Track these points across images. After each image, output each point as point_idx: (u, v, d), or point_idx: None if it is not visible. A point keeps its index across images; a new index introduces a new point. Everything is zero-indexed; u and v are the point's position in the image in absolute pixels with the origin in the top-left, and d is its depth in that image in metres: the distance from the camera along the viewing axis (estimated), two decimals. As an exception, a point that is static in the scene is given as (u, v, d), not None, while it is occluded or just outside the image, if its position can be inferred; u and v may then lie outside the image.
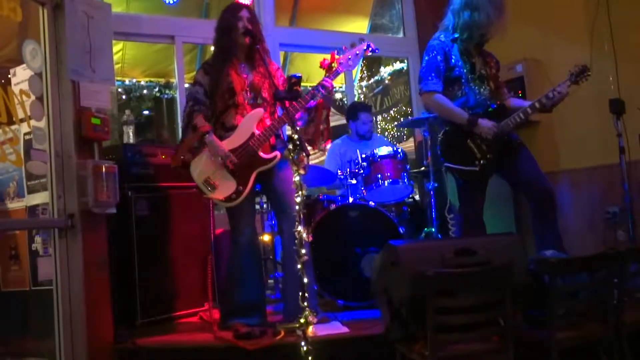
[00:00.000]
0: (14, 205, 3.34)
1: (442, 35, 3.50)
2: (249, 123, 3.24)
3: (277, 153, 3.27)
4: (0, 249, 3.42)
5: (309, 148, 2.86)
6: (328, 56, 3.29)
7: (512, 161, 3.43)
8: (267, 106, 3.32)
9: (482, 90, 3.46)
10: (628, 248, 2.59)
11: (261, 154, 3.22)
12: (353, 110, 4.97)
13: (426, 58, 3.48)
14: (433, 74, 3.42)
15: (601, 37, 4.36)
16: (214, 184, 3.21)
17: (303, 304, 2.57)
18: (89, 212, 2.95)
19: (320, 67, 3.28)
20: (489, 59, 3.57)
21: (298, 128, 2.87)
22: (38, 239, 3.21)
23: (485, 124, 3.36)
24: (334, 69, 3.25)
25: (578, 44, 4.52)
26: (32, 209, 3.24)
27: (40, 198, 3.18)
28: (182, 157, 3.26)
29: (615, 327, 2.50)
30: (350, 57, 3.27)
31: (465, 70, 3.43)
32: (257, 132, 3.22)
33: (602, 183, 4.41)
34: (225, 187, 3.21)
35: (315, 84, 3.21)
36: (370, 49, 3.32)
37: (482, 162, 3.38)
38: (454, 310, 2.24)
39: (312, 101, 3.20)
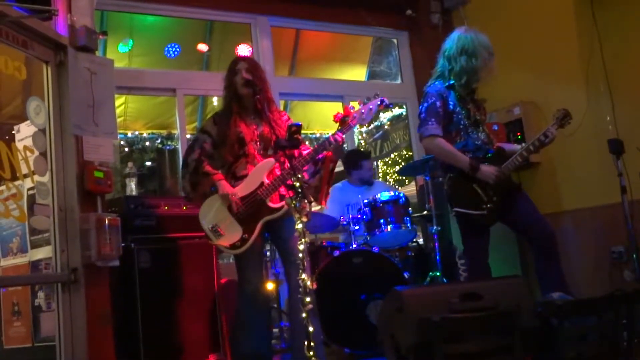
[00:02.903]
0: (17, 260, 3.33)
1: (437, 82, 3.55)
2: (259, 172, 3.25)
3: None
4: (2, 305, 3.40)
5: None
6: (342, 109, 3.32)
7: (511, 205, 3.42)
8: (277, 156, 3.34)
9: (479, 135, 3.49)
10: (636, 288, 2.57)
11: (269, 203, 3.23)
12: (354, 159, 4.99)
13: (425, 104, 3.50)
14: (433, 119, 3.43)
15: (596, 78, 4.43)
16: (221, 231, 3.21)
17: (309, 353, 2.54)
18: (92, 266, 2.94)
19: (334, 120, 3.29)
20: (479, 106, 3.61)
21: (300, 176, 2.88)
22: (41, 294, 3.19)
23: (486, 169, 3.37)
24: (347, 122, 3.28)
25: (574, 85, 4.58)
26: (35, 264, 3.22)
27: (43, 253, 3.17)
28: (200, 204, 3.29)
29: (627, 369, 2.46)
30: (364, 111, 3.28)
31: (462, 116, 3.47)
32: (266, 181, 3.23)
33: (606, 223, 4.40)
34: (231, 235, 3.20)
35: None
36: (384, 103, 3.35)
37: (489, 205, 3.37)
38: (462, 356, 2.21)
39: (320, 154, 3.23)
